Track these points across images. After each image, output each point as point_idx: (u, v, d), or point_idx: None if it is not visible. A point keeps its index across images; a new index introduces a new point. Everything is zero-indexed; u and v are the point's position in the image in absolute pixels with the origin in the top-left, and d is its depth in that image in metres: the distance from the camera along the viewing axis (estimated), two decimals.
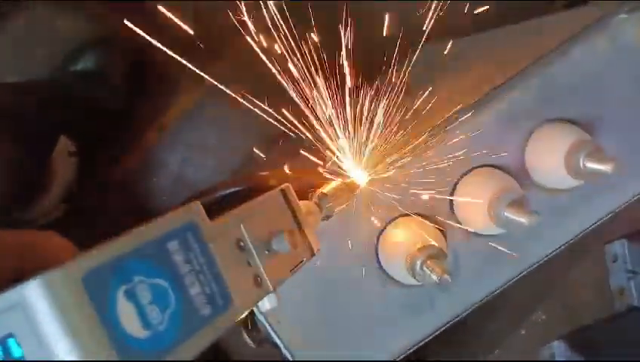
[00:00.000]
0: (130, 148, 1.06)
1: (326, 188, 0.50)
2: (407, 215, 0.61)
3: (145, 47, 1.06)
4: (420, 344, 0.64)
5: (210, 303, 0.30)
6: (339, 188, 0.52)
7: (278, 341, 0.61)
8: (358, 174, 0.56)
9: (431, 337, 0.64)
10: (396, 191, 0.58)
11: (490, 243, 0.62)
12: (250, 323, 0.63)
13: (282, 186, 0.43)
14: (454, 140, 0.59)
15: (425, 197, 0.59)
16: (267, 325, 0.61)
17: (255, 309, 0.61)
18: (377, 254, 0.62)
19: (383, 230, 0.61)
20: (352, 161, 0.57)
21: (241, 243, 0.35)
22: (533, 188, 0.63)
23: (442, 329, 0.64)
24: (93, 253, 0.25)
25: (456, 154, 0.58)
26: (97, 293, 0.24)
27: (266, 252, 0.37)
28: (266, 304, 0.38)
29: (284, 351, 0.62)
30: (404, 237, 0.59)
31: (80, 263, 0.24)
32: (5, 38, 1.09)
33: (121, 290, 0.25)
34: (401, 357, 0.64)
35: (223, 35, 1.03)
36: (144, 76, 1.09)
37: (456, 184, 0.61)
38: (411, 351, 0.64)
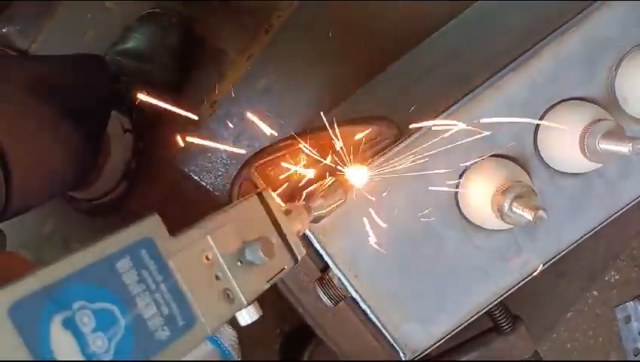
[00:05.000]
0: (182, 123, 1.06)
1: (314, 188, 0.46)
2: (487, 157, 0.57)
3: (193, 22, 1.07)
4: (506, 294, 0.61)
5: (168, 324, 0.29)
6: (331, 187, 0.47)
7: (356, 296, 0.59)
8: (353, 172, 0.52)
9: (518, 286, 0.61)
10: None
11: (579, 183, 0.58)
12: (327, 280, 0.61)
13: (259, 190, 0.40)
14: (537, 72, 0.55)
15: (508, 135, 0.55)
16: (344, 280, 0.58)
17: (331, 263, 0.59)
18: (457, 200, 0.59)
19: (462, 174, 0.58)
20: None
21: (208, 256, 0.33)
22: (625, 119, 0.58)
23: (529, 278, 0.61)
24: (23, 281, 0.23)
25: (540, 86, 0.55)
26: (26, 324, 0.23)
27: (239, 263, 0.35)
28: (246, 318, 0.36)
29: (363, 305, 0.59)
30: (487, 180, 0.55)
31: (6, 293, 0.23)
32: (55, 20, 1.11)
33: (57, 319, 0.24)
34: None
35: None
36: (194, 51, 1.08)
37: (540, 119, 0.57)
38: (498, 301, 0.60)
